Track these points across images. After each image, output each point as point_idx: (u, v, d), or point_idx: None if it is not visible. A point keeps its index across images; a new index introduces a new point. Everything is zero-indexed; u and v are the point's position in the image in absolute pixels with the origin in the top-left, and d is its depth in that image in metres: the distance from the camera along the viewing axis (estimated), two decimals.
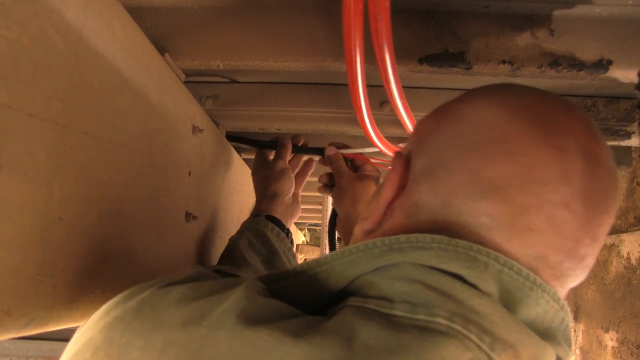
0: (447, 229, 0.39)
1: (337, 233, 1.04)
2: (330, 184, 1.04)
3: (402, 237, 0.38)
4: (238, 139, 1.05)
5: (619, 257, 1.39)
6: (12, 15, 0.33)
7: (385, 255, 0.38)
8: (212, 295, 0.36)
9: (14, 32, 0.33)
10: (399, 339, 0.33)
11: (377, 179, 1.02)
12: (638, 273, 1.31)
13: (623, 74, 0.67)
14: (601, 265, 1.33)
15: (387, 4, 0.48)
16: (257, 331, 0.32)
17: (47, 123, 0.38)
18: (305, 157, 1.07)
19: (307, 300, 0.40)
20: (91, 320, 0.38)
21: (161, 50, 0.65)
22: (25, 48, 0.34)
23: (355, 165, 1.03)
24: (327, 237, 1.07)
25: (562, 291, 0.41)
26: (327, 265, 0.40)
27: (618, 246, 1.36)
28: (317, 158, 1.06)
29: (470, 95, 0.45)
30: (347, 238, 0.98)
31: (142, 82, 0.55)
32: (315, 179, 1.09)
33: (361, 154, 1.02)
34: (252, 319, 0.34)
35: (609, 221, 0.40)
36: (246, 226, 0.89)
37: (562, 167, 0.37)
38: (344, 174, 0.99)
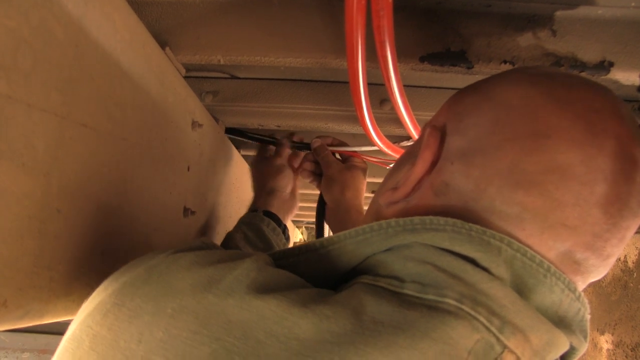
0: (477, 215, 0.39)
1: (325, 225, 1.04)
2: (316, 172, 1.05)
3: (416, 219, 0.38)
4: (237, 132, 1.05)
5: (616, 261, 1.39)
6: (13, 4, 0.33)
7: (398, 235, 0.39)
8: (221, 264, 0.36)
9: (14, 21, 0.33)
10: (407, 316, 0.33)
11: (364, 170, 1.02)
12: (634, 276, 1.31)
13: (624, 76, 0.67)
14: None
15: (390, 0, 0.48)
16: (265, 301, 0.33)
17: (46, 114, 0.37)
18: (304, 154, 1.08)
19: (316, 277, 0.40)
20: (100, 287, 0.38)
21: (162, 44, 0.65)
22: (25, 38, 0.34)
23: (343, 158, 1.04)
24: (315, 228, 1.06)
25: (583, 285, 0.41)
26: (340, 243, 0.41)
27: None
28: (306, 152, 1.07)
29: (513, 78, 0.44)
30: (336, 227, 0.99)
31: (142, 75, 0.54)
32: None
33: (353, 151, 1.02)
34: (262, 289, 0.34)
35: (636, 224, 0.40)
36: (243, 220, 0.89)
37: (601, 168, 0.37)
38: (332, 163, 0.99)
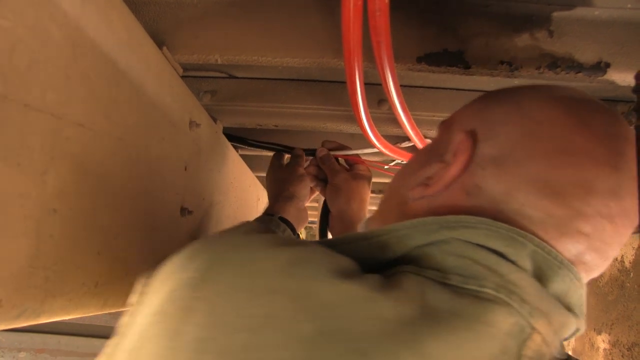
0: (506, 216, 0.44)
1: (329, 232, 1.04)
2: (321, 178, 1.05)
3: (452, 218, 0.43)
4: (238, 140, 1.06)
5: (613, 260, 1.39)
6: (8, 4, 0.33)
7: (438, 232, 0.43)
8: (295, 248, 0.40)
9: (10, 21, 0.33)
10: (459, 302, 0.37)
11: (369, 179, 1.03)
12: (631, 276, 1.31)
13: (621, 77, 0.68)
14: None
15: (387, 0, 0.48)
16: (349, 284, 0.36)
17: (42, 114, 0.37)
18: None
19: (360, 265, 0.43)
20: (173, 265, 0.41)
21: (159, 43, 0.65)
22: (21, 38, 0.34)
23: (348, 164, 1.04)
24: (318, 233, 1.07)
25: (586, 280, 0.47)
26: (386, 235, 0.45)
27: None
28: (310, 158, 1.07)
29: (543, 96, 0.49)
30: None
31: (139, 75, 0.54)
32: None
33: (357, 155, 1.02)
34: (341, 273, 0.37)
35: (633, 230, 0.47)
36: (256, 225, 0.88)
37: (616, 185, 0.43)
38: (338, 172, 1.00)
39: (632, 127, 0.45)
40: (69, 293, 0.42)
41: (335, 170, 1.01)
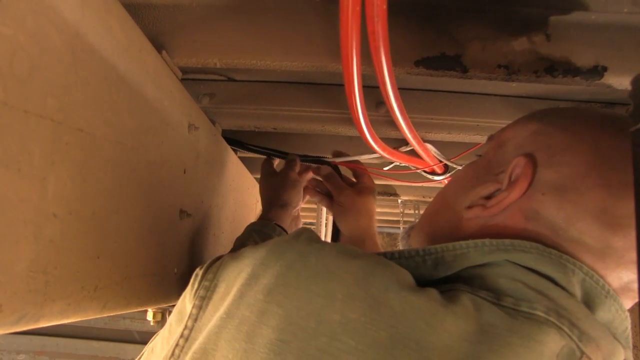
0: (565, 243, 0.45)
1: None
2: (326, 194, 1.05)
3: (507, 241, 0.45)
4: (237, 144, 1.06)
5: None
6: (9, 11, 0.33)
7: (493, 253, 0.45)
8: (362, 258, 0.42)
9: (11, 28, 0.33)
10: (513, 322, 0.39)
11: (374, 191, 1.03)
12: None
13: (617, 81, 0.68)
14: None
15: (385, 6, 0.48)
16: (417, 297, 0.38)
17: (43, 120, 0.38)
18: (311, 175, 1.08)
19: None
20: (244, 272, 0.43)
21: (158, 47, 0.65)
22: (21, 44, 0.34)
23: (355, 176, 1.04)
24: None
25: (630, 305, 0.48)
26: (437, 254, 0.47)
27: None
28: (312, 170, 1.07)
29: (605, 125, 0.49)
30: None
31: (138, 79, 0.55)
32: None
33: (358, 162, 1.02)
34: (408, 286, 0.39)
35: None
36: (254, 229, 0.88)
37: None
38: (343, 190, 1.01)
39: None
40: (69, 297, 0.43)
41: (340, 188, 1.02)
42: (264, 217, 0.95)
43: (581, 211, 0.45)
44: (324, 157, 1.06)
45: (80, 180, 0.44)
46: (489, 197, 0.51)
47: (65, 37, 0.40)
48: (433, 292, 0.40)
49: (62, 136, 0.40)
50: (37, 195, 0.38)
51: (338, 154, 1.04)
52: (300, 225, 1.05)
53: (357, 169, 1.04)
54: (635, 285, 0.46)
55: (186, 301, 0.48)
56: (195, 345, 0.41)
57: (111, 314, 0.52)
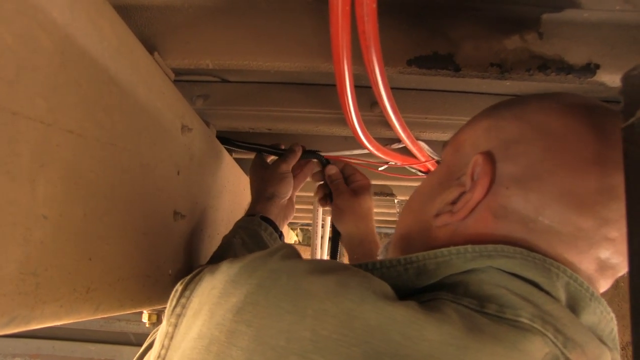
0: (538, 236, 0.45)
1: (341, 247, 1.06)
2: (328, 196, 1.06)
3: (490, 247, 0.44)
4: (230, 143, 1.06)
5: None
6: None
7: (476, 260, 0.44)
8: (337, 272, 0.41)
9: None
10: (498, 329, 0.38)
11: (369, 189, 1.03)
12: (625, 276, 1.31)
13: (610, 78, 0.68)
14: None
15: (374, 5, 0.48)
16: (395, 307, 0.37)
17: (32, 121, 0.37)
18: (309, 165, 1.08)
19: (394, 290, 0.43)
20: (214, 288, 0.43)
21: (150, 49, 0.65)
22: (8, 46, 0.34)
23: (345, 175, 1.04)
24: (329, 251, 1.08)
25: (611, 282, 0.48)
26: (419, 263, 0.46)
27: None
28: (316, 167, 1.07)
29: (553, 107, 0.49)
30: (352, 253, 1.02)
31: (130, 80, 0.54)
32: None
33: (348, 157, 1.03)
34: (385, 296, 0.38)
35: None
36: (240, 225, 0.89)
37: None
38: (342, 193, 1.01)
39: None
40: (60, 299, 0.42)
41: (340, 191, 1.02)
42: (251, 210, 0.95)
43: (546, 198, 0.45)
44: (318, 151, 1.06)
45: (71, 182, 0.43)
46: (454, 202, 0.50)
47: (54, 38, 0.40)
48: (411, 303, 0.39)
49: (52, 138, 0.40)
50: (27, 197, 0.37)
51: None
52: (292, 213, 1.05)
53: (349, 166, 1.04)
54: (615, 261, 0.45)
55: (166, 318, 0.47)
56: None
57: (105, 316, 0.52)
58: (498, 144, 0.49)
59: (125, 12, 0.66)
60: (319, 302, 0.37)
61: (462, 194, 0.50)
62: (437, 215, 0.51)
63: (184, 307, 0.46)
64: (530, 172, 0.46)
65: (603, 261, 0.45)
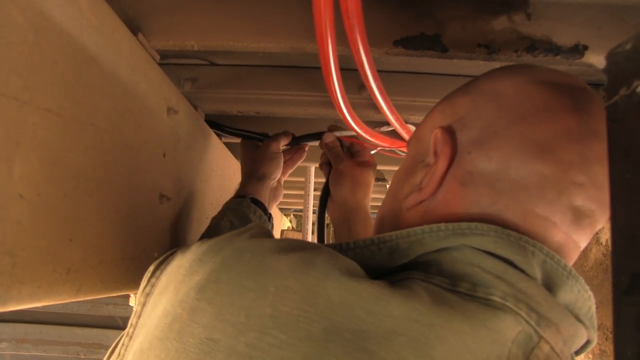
0: (506, 196, 0.45)
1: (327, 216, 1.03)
2: (329, 163, 1.04)
3: (464, 224, 0.43)
4: (222, 129, 1.05)
5: (598, 245, 1.40)
6: None
7: (449, 238, 0.43)
8: (304, 249, 0.40)
9: None
10: (468, 307, 0.38)
11: (375, 167, 1.02)
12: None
13: (599, 60, 0.67)
14: (581, 252, 1.34)
15: None
16: (360, 283, 0.36)
17: (6, 99, 0.37)
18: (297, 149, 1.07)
19: (366, 270, 0.43)
20: (181, 266, 0.42)
21: (135, 29, 0.64)
22: None
23: (352, 152, 1.03)
24: (317, 218, 1.05)
25: (591, 235, 0.48)
26: (392, 242, 0.45)
27: (597, 233, 1.37)
28: (316, 143, 1.05)
29: (500, 74, 0.51)
30: (339, 221, 0.99)
31: (111, 61, 0.54)
32: (303, 164, 1.08)
33: (356, 137, 1.01)
34: (350, 273, 0.38)
35: None
36: (229, 207, 0.88)
37: (593, 128, 0.44)
38: (342, 159, 0.99)
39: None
40: (39, 280, 0.42)
41: (341, 157, 1.00)
42: (241, 191, 0.94)
43: (506, 152, 0.45)
44: (322, 132, 1.05)
45: (49, 162, 0.43)
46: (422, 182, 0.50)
47: (28, 14, 0.39)
48: (380, 282, 0.38)
49: (27, 116, 0.40)
50: (2, 176, 0.37)
51: (334, 128, 1.03)
52: (281, 196, 1.05)
53: (356, 143, 1.03)
54: (590, 208, 0.44)
55: (137, 298, 0.47)
56: (136, 344, 0.40)
57: (88, 298, 0.52)
58: (454, 119, 0.50)
59: None
60: (282, 279, 0.36)
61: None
62: (407, 197, 0.51)
63: (153, 286, 0.45)
64: (487, 132, 0.47)
65: (577, 208, 0.44)
